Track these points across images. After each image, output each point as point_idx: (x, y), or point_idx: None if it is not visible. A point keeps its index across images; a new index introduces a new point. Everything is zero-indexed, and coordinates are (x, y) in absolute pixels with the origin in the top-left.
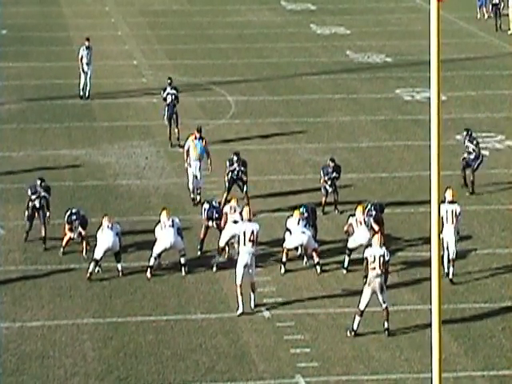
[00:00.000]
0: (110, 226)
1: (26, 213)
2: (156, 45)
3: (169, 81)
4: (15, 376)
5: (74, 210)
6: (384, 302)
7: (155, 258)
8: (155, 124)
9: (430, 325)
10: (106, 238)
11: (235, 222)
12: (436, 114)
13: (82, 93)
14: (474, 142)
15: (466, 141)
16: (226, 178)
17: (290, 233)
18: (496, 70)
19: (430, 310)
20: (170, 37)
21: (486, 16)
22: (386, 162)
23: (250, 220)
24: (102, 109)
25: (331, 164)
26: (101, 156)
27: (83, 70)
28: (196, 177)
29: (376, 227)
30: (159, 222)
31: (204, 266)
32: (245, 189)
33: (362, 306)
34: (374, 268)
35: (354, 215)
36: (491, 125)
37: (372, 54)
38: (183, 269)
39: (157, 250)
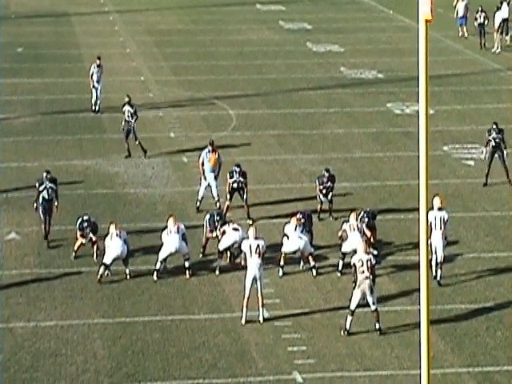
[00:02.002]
0: (118, 233)
1: (35, 205)
2: (162, 62)
3: (127, 99)
4: (30, 373)
5: (85, 218)
6: (373, 304)
7: (161, 262)
8: (161, 136)
9: (418, 324)
10: (115, 246)
11: (235, 229)
12: (424, 127)
13: (93, 107)
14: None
15: (494, 133)
16: (228, 188)
17: (288, 238)
18: (481, 85)
19: (419, 310)
20: (175, 54)
21: (466, 34)
22: (378, 171)
23: (256, 238)
24: (112, 122)
25: (326, 174)
26: (110, 166)
27: (94, 87)
28: (211, 187)
29: (368, 233)
30: (166, 227)
31: (207, 269)
32: (245, 197)
33: (352, 307)
34: (363, 271)
35: (347, 221)
36: (476, 137)
37: (364, 71)
38: (187, 272)
39: (163, 254)
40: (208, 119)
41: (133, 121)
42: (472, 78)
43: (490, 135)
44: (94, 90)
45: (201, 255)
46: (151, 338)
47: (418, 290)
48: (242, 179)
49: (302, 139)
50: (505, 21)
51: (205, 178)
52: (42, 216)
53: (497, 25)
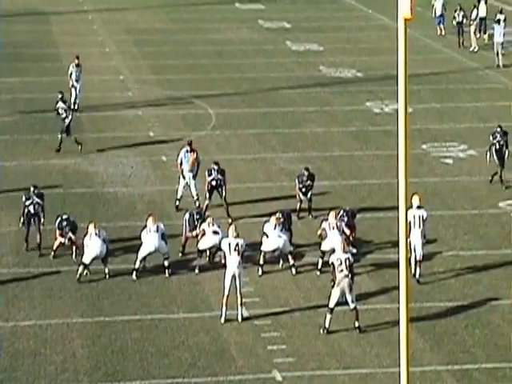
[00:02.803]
0: (97, 232)
1: (22, 219)
2: (141, 61)
3: (60, 95)
4: (8, 372)
5: (64, 217)
6: (352, 302)
7: (140, 261)
8: (140, 135)
9: (398, 322)
10: (94, 246)
11: (215, 232)
12: (403, 125)
13: (72, 106)
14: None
15: (499, 136)
16: (207, 187)
17: (267, 237)
18: (459, 84)
19: (398, 308)
20: (153, 53)
21: (444, 33)
22: (357, 170)
23: (236, 236)
24: (90, 121)
25: (306, 173)
26: (89, 165)
27: (73, 86)
28: (189, 186)
29: (348, 232)
30: (145, 226)
31: (186, 268)
32: (224, 194)
33: (331, 305)
34: (342, 270)
35: (327, 220)
36: (454, 135)
37: (344, 69)
38: (167, 271)
39: (142, 253)
40: (187, 118)
41: (70, 117)
42: (450, 76)
43: (494, 138)
44: (73, 90)
45: (180, 254)
46: (130, 337)
47: (398, 288)
48: (220, 177)
49: (281, 138)
50: (482, 19)
51: (183, 178)
52: (25, 229)
53: (473, 23)
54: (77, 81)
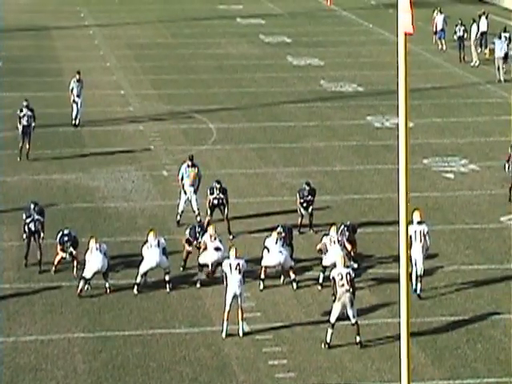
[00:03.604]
0: (98, 247)
1: (24, 236)
2: (142, 75)
3: (25, 103)
4: None
5: (65, 231)
6: (354, 317)
7: (142, 276)
8: (141, 150)
9: (399, 337)
10: (95, 261)
11: (217, 248)
12: (404, 140)
13: (73, 121)
14: None
15: None
16: (208, 204)
17: (268, 251)
18: (460, 98)
19: (399, 323)
20: (154, 68)
21: (445, 48)
22: (358, 184)
23: (237, 257)
24: (91, 136)
25: (307, 187)
26: (90, 180)
27: (74, 101)
28: (191, 201)
29: (349, 247)
30: (146, 241)
31: (187, 282)
32: (226, 212)
33: (332, 320)
34: (343, 285)
35: (328, 234)
36: (456, 149)
37: (344, 84)
38: (168, 286)
39: (143, 268)
40: (188, 133)
41: (33, 124)
42: (451, 91)
43: None
44: (74, 105)
45: (181, 269)
46: (132, 352)
47: (399, 302)
48: (222, 195)
49: (282, 152)
50: (483, 34)
51: (184, 193)
52: (25, 246)
53: (473, 38)
54: (78, 96)
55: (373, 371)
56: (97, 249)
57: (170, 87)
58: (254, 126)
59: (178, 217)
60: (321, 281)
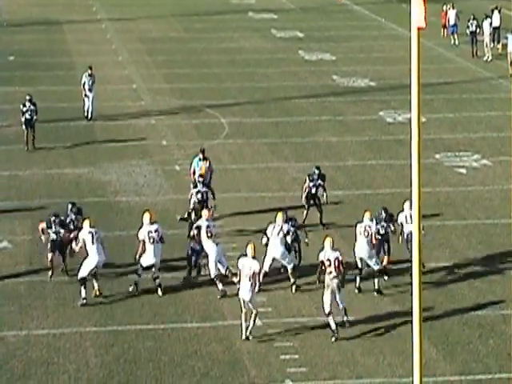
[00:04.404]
0: (94, 234)
1: (49, 246)
2: (154, 70)
3: (28, 97)
4: (21, 381)
5: (52, 218)
6: (342, 303)
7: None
8: (153, 144)
9: (411, 332)
10: (92, 256)
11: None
12: (416, 135)
13: (86, 115)
14: None
15: None
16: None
17: (268, 239)
18: (472, 93)
19: (411, 318)
20: (167, 62)
21: (457, 43)
22: (370, 179)
23: (254, 257)
24: (103, 130)
25: (316, 171)
26: (102, 174)
27: (86, 95)
28: (202, 195)
29: (374, 240)
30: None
31: (199, 277)
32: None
33: (327, 309)
34: (331, 272)
35: (361, 222)
36: (468, 145)
37: (357, 79)
38: (158, 289)
39: (145, 263)
40: (200, 127)
41: (35, 118)
42: (464, 86)
43: None
44: (86, 99)
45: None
46: (143, 346)
47: (411, 297)
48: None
49: (294, 147)
50: (496, 29)
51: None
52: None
53: (486, 33)
54: (90, 90)
55: (384, 366)
56: (93, 237)
57: (182, 81)
58: (266, 120)
59: (190, 211)
60: (357, 284)
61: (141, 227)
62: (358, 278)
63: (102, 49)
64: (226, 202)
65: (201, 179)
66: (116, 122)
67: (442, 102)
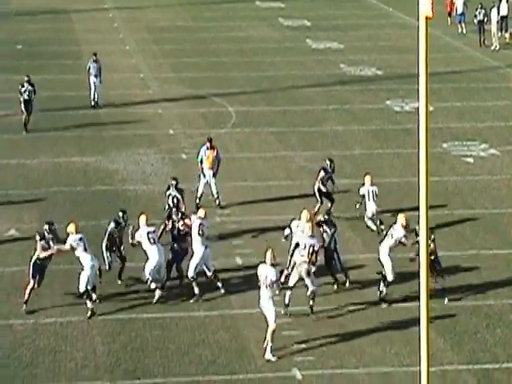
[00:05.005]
0: (85, 241)
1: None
2: (161, 59)
3: (26, 78)
4: (29, 369)
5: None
6: (311, 285)
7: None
8: (160, 133)
9: (418, 321)
10: (87, 267)
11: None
12: (424, 124)
13: (92, 102)
14: None
15: None
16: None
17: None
18: (480, 82)
19: (419, 307)
20: (174, 51)
21: (465, 32)
22: (377, 168)
23: (272, 265)
24: (111, 118)
25: (329, 163)
26: (109, 163)
27: (92, 82)
28: (210, 184)
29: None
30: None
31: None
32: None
33: (291, 284)
34: (303, 255)
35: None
36: (475, 134)
37: (364, 68)
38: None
39: (152, 266)
40: (207, 116)
41: (33, 98)
42: (471, 75)
43: None
44: (92, 85)
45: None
46: (151, 334)
47: (418, 286)
48: (178, 195)
49: (301, 136)
50: (504, 18)
51: (204, 176)
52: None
53: (494, 22)
54: (95, 76)
55: (391, 355)
56: (84, 248)
57: (190, 70)
58: (274, 109)
59: (197, 200)
60: (381, 290)
61: (137, 230)
62: (382, 286)
63: (109, 38)
64: (233, 190)
65: (173, 182)
66: (123, 111)
67: (450, 91)
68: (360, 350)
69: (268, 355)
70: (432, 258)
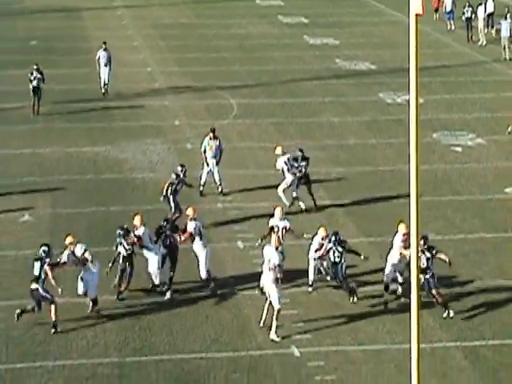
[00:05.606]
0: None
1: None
2: (167, 54)
3: (35, 66)
4: (43, 346)
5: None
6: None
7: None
8: (166, 124)
9: (409, 303)
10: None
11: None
12: (414, 115)
13: (103, 90)
14: None
15: None
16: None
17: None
18: (468, 76)
19: (409, 289)
20: (179, 47)
21: (453, 28)
22: (371, 157)
23: (277, 248)
24: (120, 110)
25: (299, 154)
26: (118, 152)
27: (102, 70)
28: (213, 172)
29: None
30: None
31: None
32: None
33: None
34: (279, 237)
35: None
36: (464, 124)
37: (358, 62)
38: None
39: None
40: (210, 108)
41: (41, 85)
42: (460, 69)
43: None
44: (102, 74)
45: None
46: (157, 314)
47: (409, 268)
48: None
49: (299, 127)
50: (490, 15)
51: (207, 164)
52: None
53: (480, 19)
54: (105, 65)
55: (384, 333)
56: (91, 263)
57: (194, 65)
58: (273, 101)
59: (201, 187)
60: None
61: (131, 231)
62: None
63: (118, 34)
64: (235, 178)
65: (161, 197)
66: (131, 103)
67: (439, 85)
68: (355, 329)
69: (273, 335)
70: (426, 276)
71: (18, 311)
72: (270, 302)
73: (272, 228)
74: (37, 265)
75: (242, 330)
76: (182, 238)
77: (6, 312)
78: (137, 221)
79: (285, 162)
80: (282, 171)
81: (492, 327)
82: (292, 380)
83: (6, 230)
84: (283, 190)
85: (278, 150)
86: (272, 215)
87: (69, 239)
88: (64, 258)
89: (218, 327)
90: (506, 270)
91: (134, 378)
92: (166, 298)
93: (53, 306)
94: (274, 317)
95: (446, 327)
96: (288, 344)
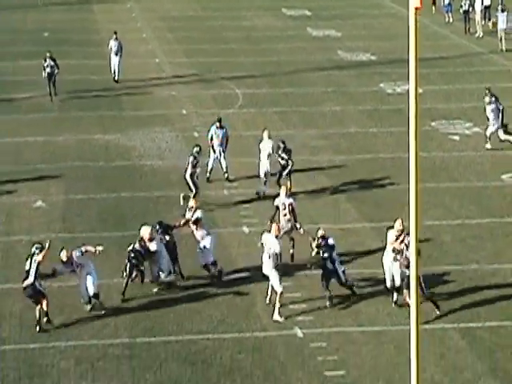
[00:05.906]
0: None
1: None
2: (175, 45)
3: (48, 54)
4: (55, 328)
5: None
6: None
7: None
8: (174, 113)
9: (408, 285)
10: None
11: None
12: (414, 105)
13: (113, 76)
14: None
15: None
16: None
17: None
18: (465, 67)
19: (408, 274)
20: (186, 38)
21: (451, 20)
22: (372, 145)
23: (276, 236)
24: (129, 100)
25: (281, 145)
26: (128, 140)
27: (113, 59)
28: (219, 160)
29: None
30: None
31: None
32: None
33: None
34: (285, 214)
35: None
36: (461, 114)
37: (359, 54)
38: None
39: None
40: (217, 98)
41: (56, 72)
42: (457, 60)
43: None
44: (112, 62)
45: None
46: (166, 296)
47: (407, 252)
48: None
49: (302, 116)
50: (487, 8)
51: (214, 152)
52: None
53: (478, 11)
54: (116, 53)
55: (384, 315)
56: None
57: (201, 56)
58: (277, 91)
59: (208, 174)
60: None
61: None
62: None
63: (127, 27)
64: (241, 165)
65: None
66: (140, 93)
67: (438, 75)
68: (356, 311)
69: (276, 316)
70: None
71: (38, 329)
72: (272, 286)
73: (278, 207)
74: (28, 262)
75: (247, 312)
76: (181, 224)
77: (19, 295)
78: (145, 232)
79: (272, 147)
80: (269, 155)
81: (488, 309)
82: (295, 360)
83: (19, 216)
84: (264, 174)
85: (266, 134)
86: (276, 196)
87: (63, 254)
88: (59, 268)
89: (224, 309)
90: (502, 255)
91: (144, 358)
92: (167, 279)
93: (45, 301)
94: (277, 299)
95: (444, 309)
96: (291, 325)
